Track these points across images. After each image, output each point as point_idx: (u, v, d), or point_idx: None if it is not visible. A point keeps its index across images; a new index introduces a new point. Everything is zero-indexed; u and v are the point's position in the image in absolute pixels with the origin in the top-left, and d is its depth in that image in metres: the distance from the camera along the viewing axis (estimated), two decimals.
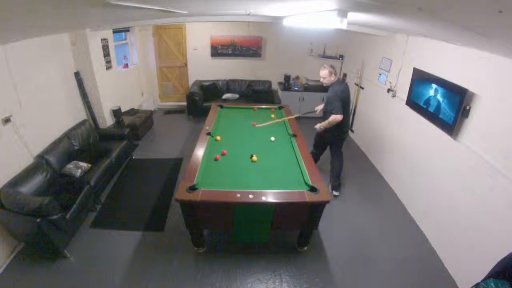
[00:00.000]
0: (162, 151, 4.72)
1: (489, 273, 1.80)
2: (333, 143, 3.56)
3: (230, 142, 3.30)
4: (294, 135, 3.48)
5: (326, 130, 3.30)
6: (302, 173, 2.69)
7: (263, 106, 4.62)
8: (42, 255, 2.69)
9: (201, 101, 5.73)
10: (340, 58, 6.04)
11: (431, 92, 3.00)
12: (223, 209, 2.44)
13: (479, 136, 2.44)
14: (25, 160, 2.96)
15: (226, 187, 2.43)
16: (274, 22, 3.83)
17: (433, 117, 2.99)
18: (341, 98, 3.08)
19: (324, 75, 3.22)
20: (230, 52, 6.29)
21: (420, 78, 3.23)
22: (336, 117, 3.06)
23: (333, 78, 3.22)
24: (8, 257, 2.64)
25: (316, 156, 3.73)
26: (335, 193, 3.63)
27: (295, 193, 2.40)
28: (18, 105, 2.89)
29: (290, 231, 2.95)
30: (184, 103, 6.09)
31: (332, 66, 3.25)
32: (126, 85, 5.45)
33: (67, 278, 2.50)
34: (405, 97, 3.55)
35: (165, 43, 6.20)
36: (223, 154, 2.99)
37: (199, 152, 2.97)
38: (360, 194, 3.78)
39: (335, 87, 3.19)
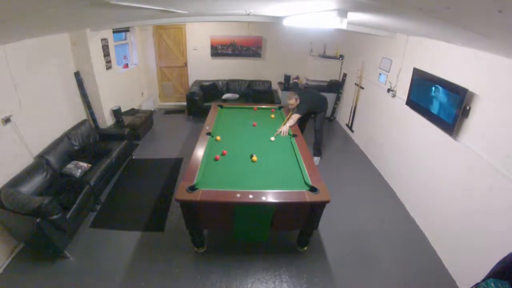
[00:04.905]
0: (162, 151, 4.72)
1: (489, 273, 1.80)
2: (313, 116, 4.44)
3: (230, 142, 3.30)
4: (294, 135, 3.48)
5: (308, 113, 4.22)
6: (302, 173, 2.69)
7: (263, 106, 4.62)
8: (42, 255, 2.69)
9: (201, 101, 5.73)
10: (340, 58, 6.04)
11: (431, 92, 3.00)
12: (223, 209, 2.43)
13: (479, 136, 2.44)
14: (25, 160, 2.96)
15: (226, 187, 2.43)
16: (274, 22, 3.83)
17: (433, 117, 2.99)
18: (307, 107, 4.00)
19: (293, 102, 3.95)
20: (230, 52, 6.29)
21: (420, 78, 3.23)
22: (296, 115, 3.87)
23: (297, 101, 3.95)
24: (8, 257, 2.64)
25: (301, 127, 4.31)
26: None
27: (295, 193, 2.39)
28: (18, 105, 2.89)
29: (290, 231, 2.95)
30: (184, 103, 6.09)
31: (293, 93, 3.99)
32: (126, 85, 5.45)
33: (67, 278, 2.50)
34: (405, 97, 3.55)
35: (165, 43, 6.20)
36: (223, 154, 2.99)
37: (199, 152, 2.97)
38: (360, 194, 3.78)
39: (303, 103, 3.97)
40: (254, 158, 2.90)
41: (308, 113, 4.17)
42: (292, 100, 3.96)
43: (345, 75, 6.00)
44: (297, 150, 3.11)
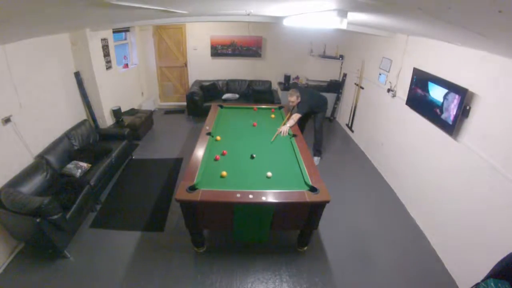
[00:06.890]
0: (162, 151, 4.72)
1: (489, 273, 1.80)
2: (313, 116, 4.44)
3: (230, 142, 3.30)
4: (294, 135, 3.48)
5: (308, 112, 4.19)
6: (302, 173, 2.69)
7: (263, 106, 4.62)
8: (42, 255, 2.69)
9: (201, 101, 5.73)
10: (340, 58, 6.05)
11: (431, 92, 3.00)
12: (223, 209, 2.43)
13: (479, 136, 2.44)
14: (25, 160, 2.96)
15: (226, 187, 2.43)
16: (274, 22, 3.83)
17: (433, 117, 2.99)
18: (308, 106, 3.99)
19: (294, 100, 3.98)
20: (230, 52, 6.28)
21: (420, 78, 3.23)
22: (296, 115, 3.87)
23: (298, 99, 3.97)
24: (8, 257, 2.64)
25: (301, 127, 4.32)
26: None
27: (295, 193, 2.40)
28: (18, 105, 2.89)
29: (290, 231, 2.95)
30: (184, 103, 6.09)
31: (294, 91, 4.01)
32: (126, 85, 5.45)
33: (67, 278, 2.50)
34: (405, 97, 3.55)
35: (165, 43, 6.19)
36: (223, 154, 2.99)
37: (199, 152, 2.97)
38: (360, 194, 3.78)
39: (303, 102, 3.97)
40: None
41: (308, 113, 4.18)
42: (294, 98, 3.97)
43: (345, 75, 6.00)
44: (297, 150, 3.11)
